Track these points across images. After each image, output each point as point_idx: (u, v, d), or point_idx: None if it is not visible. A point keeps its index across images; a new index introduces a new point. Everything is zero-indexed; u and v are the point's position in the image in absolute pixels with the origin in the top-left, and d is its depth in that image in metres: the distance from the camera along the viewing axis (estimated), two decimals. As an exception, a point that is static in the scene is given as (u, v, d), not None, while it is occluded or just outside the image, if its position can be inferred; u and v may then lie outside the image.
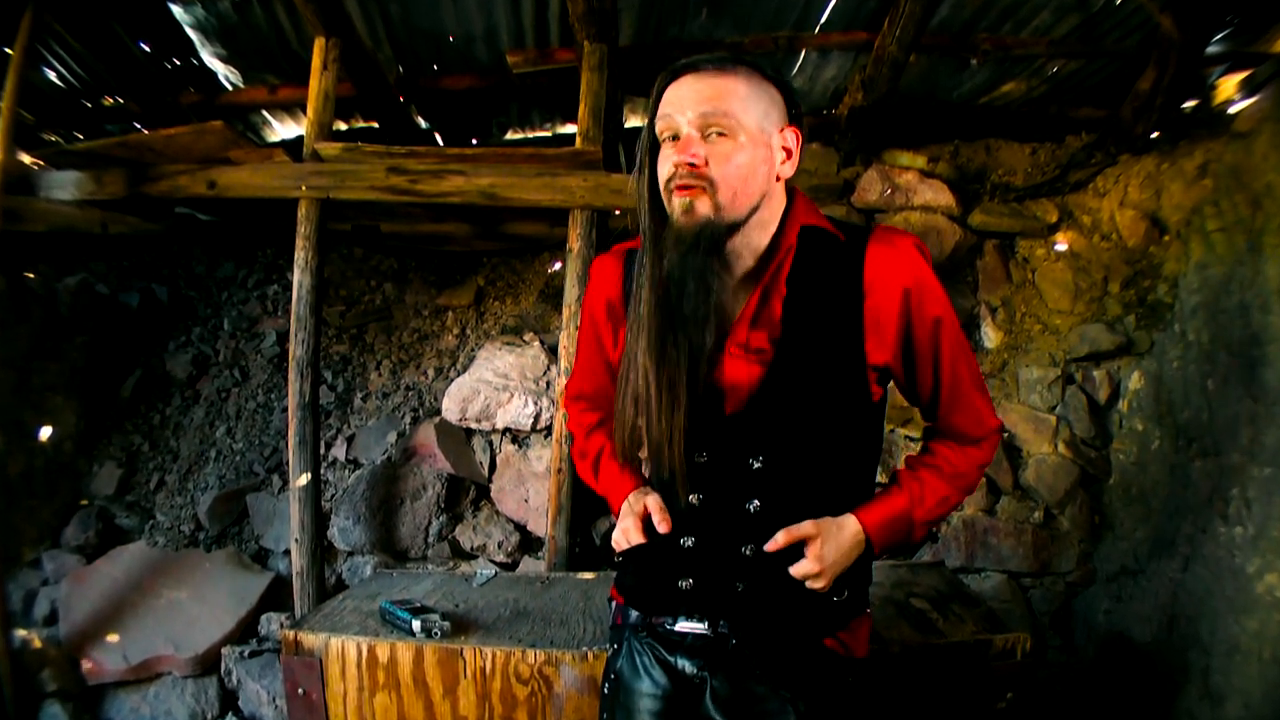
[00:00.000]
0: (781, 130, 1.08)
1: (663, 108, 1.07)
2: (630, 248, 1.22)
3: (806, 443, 1.11)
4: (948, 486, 1.18)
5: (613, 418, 1.20)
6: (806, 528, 1.10)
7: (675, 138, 1.05)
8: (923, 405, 1.20)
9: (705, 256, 1.05)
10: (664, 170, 1.06)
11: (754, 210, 1.07)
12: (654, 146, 1.09)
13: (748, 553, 1.12)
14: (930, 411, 1.19)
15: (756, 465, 1.11)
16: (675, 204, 1.04)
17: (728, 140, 1.03)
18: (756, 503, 1.12)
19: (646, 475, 1.29)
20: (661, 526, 1.16)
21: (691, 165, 1.02)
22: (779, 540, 1.10)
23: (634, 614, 1.22)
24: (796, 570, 1.10)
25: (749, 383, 1.10)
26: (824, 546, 1.09)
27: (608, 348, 1.28)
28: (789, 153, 1.09)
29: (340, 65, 2.74)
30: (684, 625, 1.16)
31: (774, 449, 1.11)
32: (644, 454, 1.17)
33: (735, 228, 1.06)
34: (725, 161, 1.02)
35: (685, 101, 1.04)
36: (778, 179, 1.09)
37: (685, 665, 1.15)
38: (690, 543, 1.15)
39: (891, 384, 1.21)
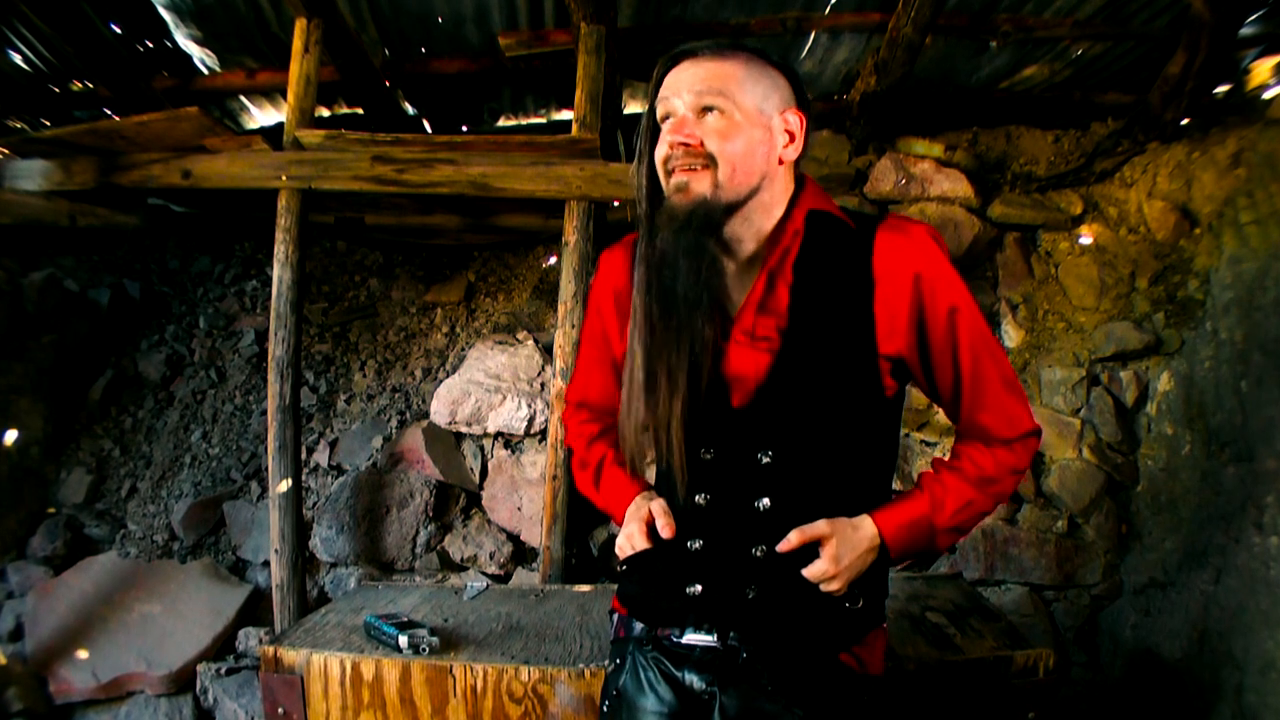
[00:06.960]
0: (783, 113, 1.12)
1: (661, 92, 1.13)
2: (637, 237, 1.25)
3: (817, 436, 1.12)
4: (973, 491, 1.16)
5: (618, 423, 1.21)
6: (820, 527, 1.10)
7: (670, 120, 1.11)
8: (945, 403, 1.19)
9: (698, 235, 1.08)
10: (660, 152, 1.12)
11: (754, 192, 1.11)
12: (654, 132, 1.15)
13: (759, 554, 1.12)
14: (954, 409, 1.18)
15: (766, 460, 1.12)
16: (671, 183, 1.10)
17: (723, 118, 1.08)
18: (766, 501, 1.12)
19: (652, 481, 1.29)
20: (665, 531, 1.16)
21: (686, 145, 1.08)
22: (792, 540, 1.10)
23: (638, 627, 1.22)
24: (810, 572, 1.10)
25: (756, 373, 1.11)
26: (839, 547, 1.10)
27: (613, 341, 1.29)
28: (792, 135, 1.13)
29: (323, 48, 2.74)
30: (691, 638, 1.15)
31: (784, 443, 1.11)
32: (650, 454, 1.18)
33: (734, 208, 1.10)
34: (722, 139, 1.08)
35: (681, 85, 1.10)
36: (780, 162, 1.13)
37: (693, 680, 1.14)
38: (698, 545, 1.15)
39: (911, 385, 1.21)
